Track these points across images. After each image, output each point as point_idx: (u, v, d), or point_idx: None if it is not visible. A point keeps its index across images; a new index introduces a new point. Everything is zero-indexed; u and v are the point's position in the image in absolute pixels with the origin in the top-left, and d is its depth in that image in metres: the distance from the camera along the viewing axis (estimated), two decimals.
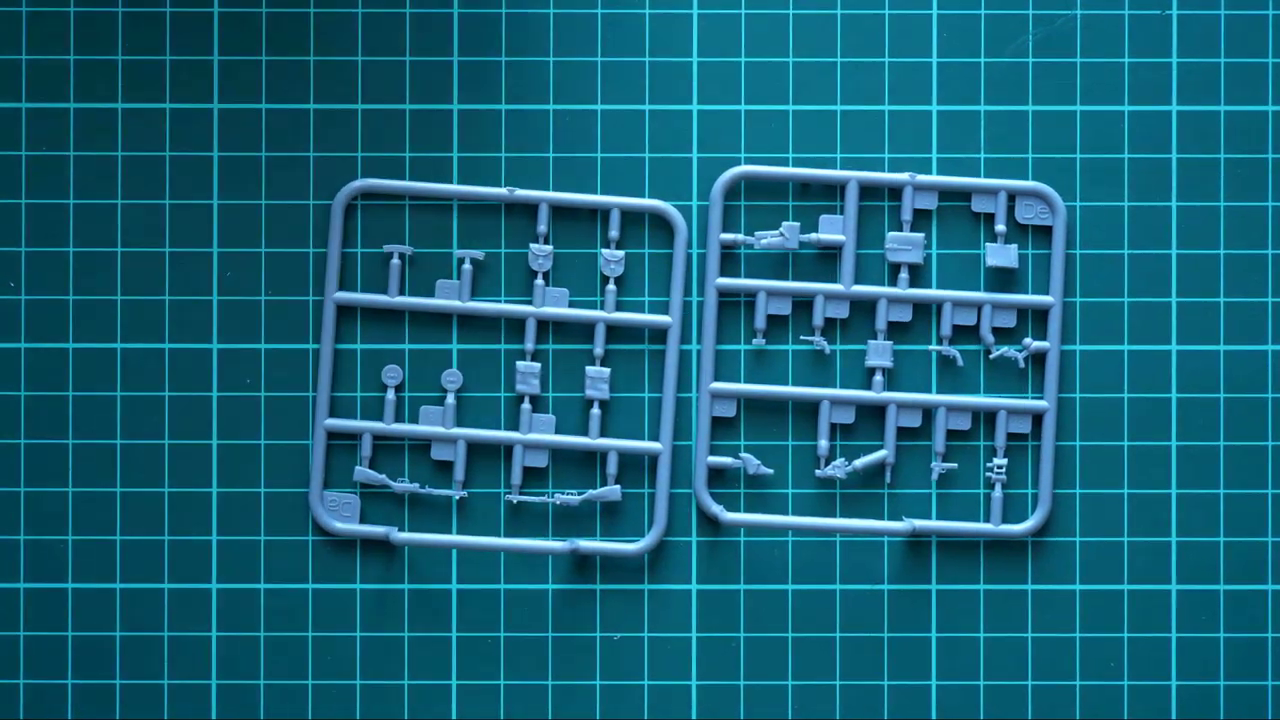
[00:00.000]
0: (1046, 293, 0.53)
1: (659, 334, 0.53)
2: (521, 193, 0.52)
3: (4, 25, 0.53)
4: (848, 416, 0.53)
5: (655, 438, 0.53)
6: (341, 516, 0.53)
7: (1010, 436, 0.53)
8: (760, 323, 0.53)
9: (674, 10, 0.53)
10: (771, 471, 0.53)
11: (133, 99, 0.53)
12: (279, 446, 0.53)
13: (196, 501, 0.53)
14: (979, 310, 0.53)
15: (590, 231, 0.53)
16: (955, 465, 0.53)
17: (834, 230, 0.53)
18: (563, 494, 0.53)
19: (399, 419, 0.53)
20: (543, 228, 0.52)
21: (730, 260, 0.53)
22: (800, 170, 0.53)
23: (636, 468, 0.53)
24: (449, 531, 0.53)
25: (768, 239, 0.52)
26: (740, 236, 0.53)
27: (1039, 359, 0.53)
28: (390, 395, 0.53)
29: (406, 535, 0.52)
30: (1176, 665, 0.53)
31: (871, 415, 0.53)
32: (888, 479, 0.53)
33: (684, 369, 0.53)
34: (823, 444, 0.53)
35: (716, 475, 0.53)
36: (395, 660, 0.53)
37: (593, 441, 0.53)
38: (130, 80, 0.53)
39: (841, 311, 0.53)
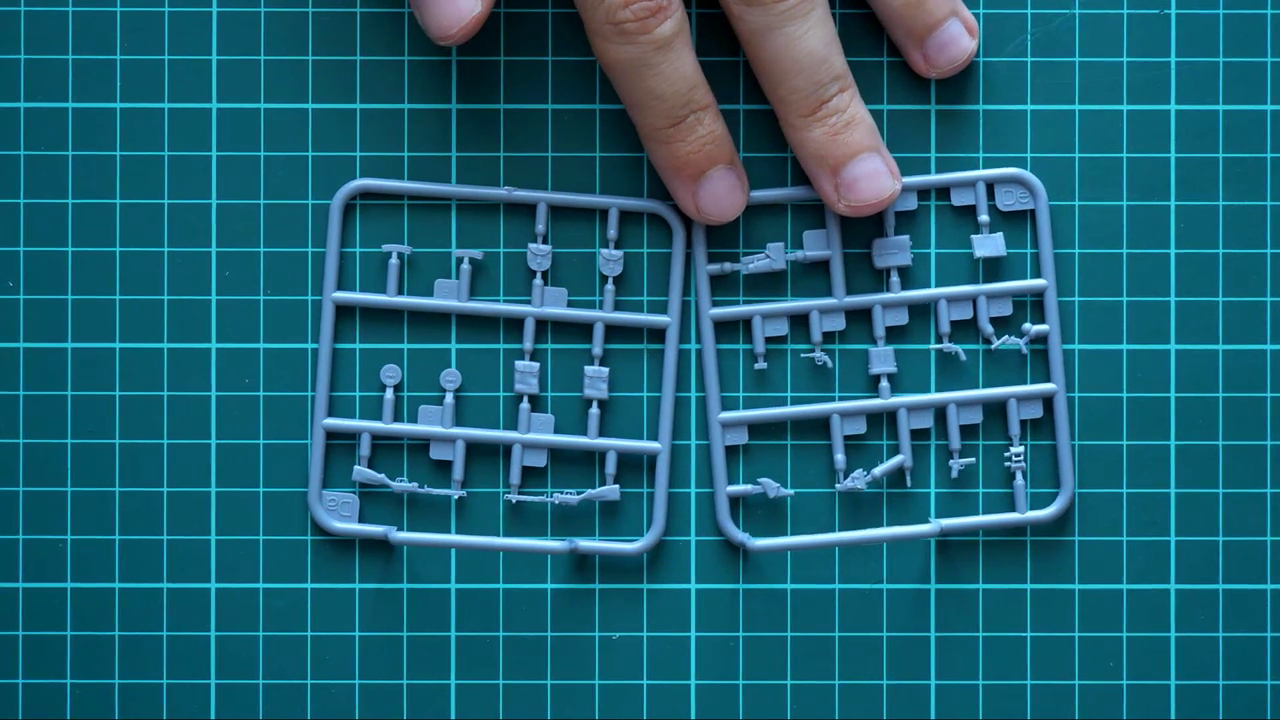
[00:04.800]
0: (1038, 278, 0.53)
1: (658, 333, 0.53)
2: (520, 192, 0.52)
3: (3, 25, 0.53)
4: (859, 427, 0.53)
5: (654, 437, 0.53)
6: (340, 516, 0.53)
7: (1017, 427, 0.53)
8: (760, 347, 0.53)
9: None
10: (792, 493, 0.53)
11: (131, 98, 0.53)
12: (278, 446, 0.53)
13: (195, 501, 0.53)
14: (974, 304, 0.53)
15: (589, 231, 0.53)
16: (973, 460, 0.53)
17: (819, 246, 0.53)
18: (562, 494, 0.53)
19: (398, 418, 0.53)
20: (541, 227, 0.52)
21: (722, 274, 0.53)
22: (769, 191, 0.52)
23: (635, 467, 0.53)
24: (448, 531, 0.53)
25: (755, 263, 0.52)
26: (725, 266, 0.52)
27: (1040, 348, 0.53)
28: (389, 395, 0.53)
29: (405, 535, 0.52)
30: (1175, 665, 0.53)
31: (877, 420, 0.53)
32: (908, 482, 0.53)
33: (683, 368, 0.53)
34: (839, 458, 0.53)
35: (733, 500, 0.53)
36: (394, 660, 0.53)
37: (592, 441, 0.53)
38: (129, 80, 0.53)
39: (838, 323, 0.53)
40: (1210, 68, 0.53)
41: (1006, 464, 0.53)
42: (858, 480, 0.52)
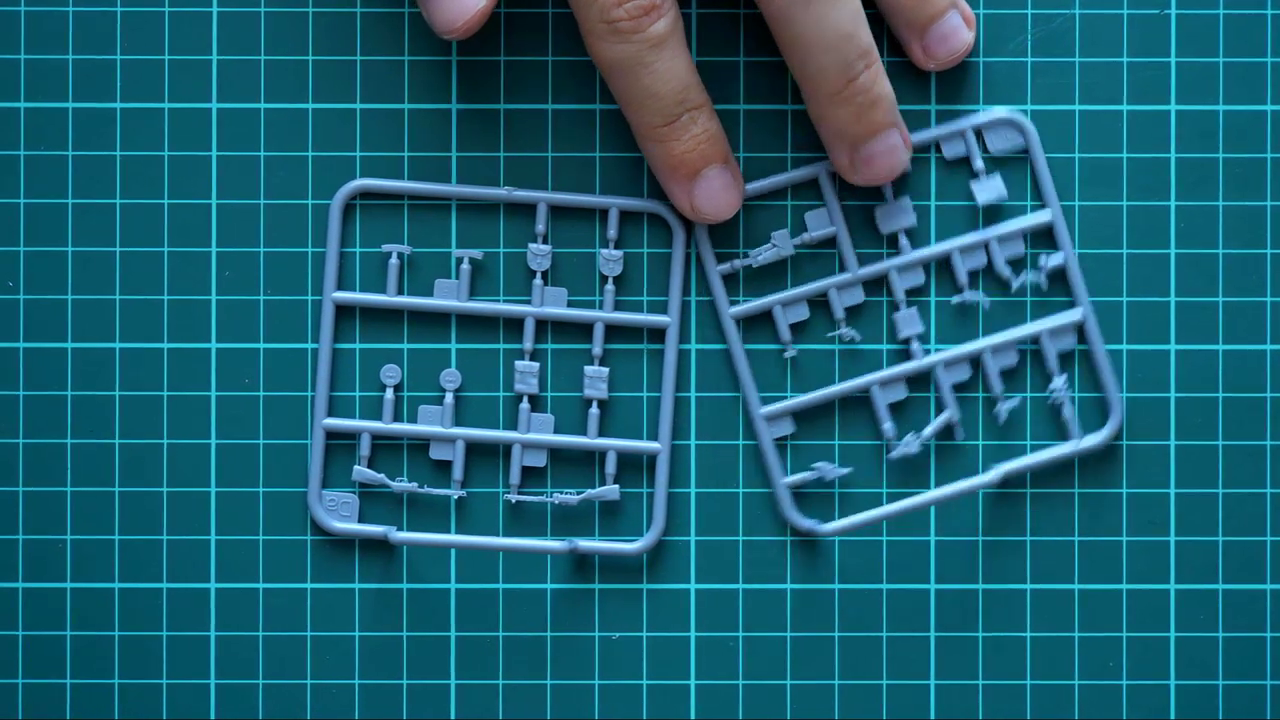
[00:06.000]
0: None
1: (658, 333, 0.53)
2: (520, 193, 0.52)
3: (3, 25, 0.53)
4: (900, 393, 0.53)
5: (654, 437, 0.53)
6: (340, 516, 0.53)
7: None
8: (785, 335, 0.53)
9: None
10: (851, 470, 0.53)
11: (131, 98, 0.53)
12: (277, 446, 0.53)
13: (195, 501, 0.53)
14: (987, 250, 0.52)
15: (589, 231, 0.53)
16: (1018, 400, 0.53)
17: (822, 225, 0.53)
18: (561, 494, 0.53)
19: (398, 418, 0.53)
20: (541, 227, 0.53)
21: (733, 271, 0.53)
22: (762, 181, 0.52)
23: (635, 467, 0.53)
24: (448, 531, 0.53)
25: (764, 254, 0.52)
26: (734, 264, 0.52)
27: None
28: (389, 395, 0.53)
29: (405, 535, 0.52)
30: (1175, 664, 0.53)
31: (912, 385, 0.53)
32: (957, 436, 0.53)
33: (683, 368, 0.53)
34: (887, 426, 0.52)
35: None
36: (394, 660, 0.53)
37: (591, 441, 0.53)
38: (129, 80, 0.53)
39: (856, 297, 0.53)
40: (1210, 68, 0.53)
41: (1050, 398, 0.52)
42: (910, 445, 0.52)
